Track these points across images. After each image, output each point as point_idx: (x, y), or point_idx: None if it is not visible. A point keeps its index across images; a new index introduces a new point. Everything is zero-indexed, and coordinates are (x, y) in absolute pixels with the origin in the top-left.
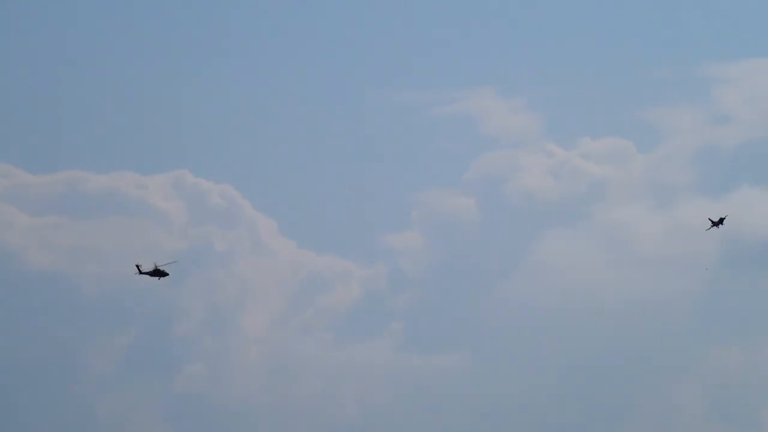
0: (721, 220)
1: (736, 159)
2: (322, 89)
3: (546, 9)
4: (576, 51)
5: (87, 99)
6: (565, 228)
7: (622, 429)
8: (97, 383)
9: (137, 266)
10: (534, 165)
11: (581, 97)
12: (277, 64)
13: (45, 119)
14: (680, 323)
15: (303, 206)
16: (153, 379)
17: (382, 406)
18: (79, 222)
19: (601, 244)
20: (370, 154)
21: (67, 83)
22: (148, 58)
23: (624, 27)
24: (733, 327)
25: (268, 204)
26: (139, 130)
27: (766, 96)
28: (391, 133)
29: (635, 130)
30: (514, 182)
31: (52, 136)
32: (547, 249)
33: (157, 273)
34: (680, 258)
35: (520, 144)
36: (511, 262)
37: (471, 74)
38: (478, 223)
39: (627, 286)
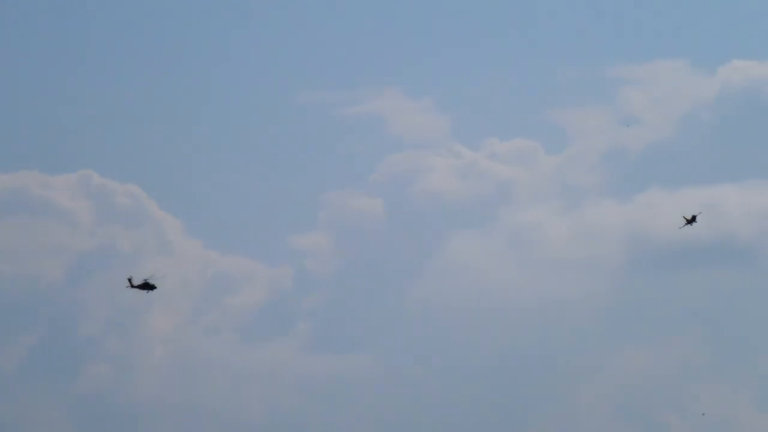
0: (693, 218)
1: (643, 160)
2: (228, 89)
3: (455, 9)
4: (484, 51)
5: None
6: (471, 229)
7: (529, 430)
8: None
9: (129, 279)
10: (441, 166)
11: (489, 98)
12: (182, 64)
13: None
14: (587, 324)
15: (209, 206)
16: (56, 379)
17: (287, 407)
18: None
19: (508, 246)
20: (276, 155)
21: None
22: (53, 57)
23: (532, 28)
24: (640, 328)
25: (174, 204)
26: (44, 130)
27: (672, 97)
28: (297, 134)
29: (543, 131)
30: (421, 183)
31: None
32: (453, 250)
33: (146, 286)
34: (587, 259)
35: (427, 145)
36: (418, 264)
37: (377, 74)
38: (385, 224)
39: (533, 287)
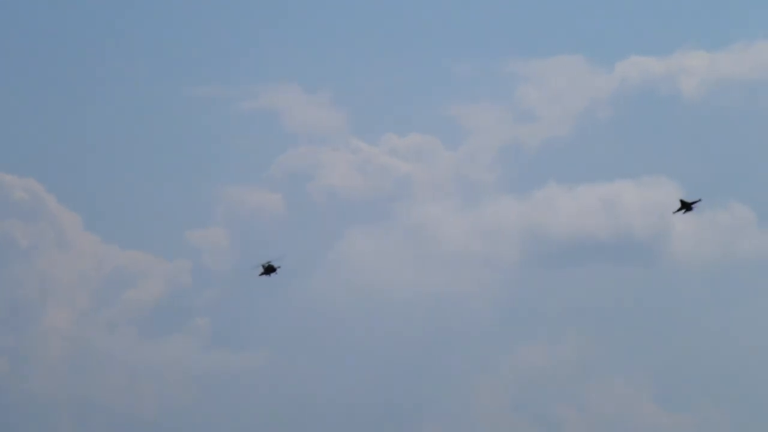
0: (690, 205)
1: (540, 156)
2: (125, 83)
3: (351, 4)
4: (381, 46)
5: None
6: (368, 225)
7: (424, 426)
8: None
9: (263, 266)
10: (338, 161)
11: (387, 93)
12: (80, 58)
13: None
14: (482, 320)
15: (108, 201)
16: None
17: (182, 403)
18: None
19: (405, 241)
20: (173, 150)
21: None
22: None
23: (429, 22)
24: (536, 323)
25: (72, 198)
26: None
27: (569, 93)
28: (194, 129)
29: (441, 126)
30: (319, 178)
31: None
32: (350, 246)
33: (270, 270)
34: (484, 255)
35: (324, 140)
36: (315, 259)
37: (273, 69)
38: (283, 219)
39: (430, 283)
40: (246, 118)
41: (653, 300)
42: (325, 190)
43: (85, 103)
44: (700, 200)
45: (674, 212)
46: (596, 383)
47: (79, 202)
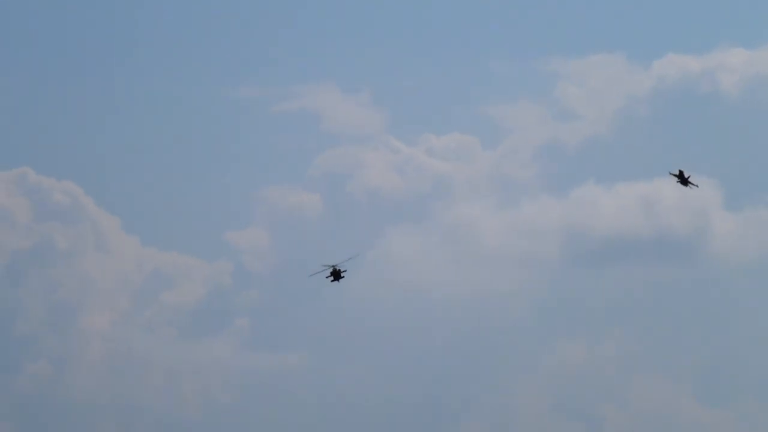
0: (685, 178)
1: (579, 155)
2: (165, 86)
3: (389, 3)
4: (419, 46)
5: None
6: (409, 224)
7: (463, 425)
8: None
9: (331, 270)
10: (378, 161)
11: (425, 93)
12: (118, 60)
13: None
14: (523, 319)
15: (147, 203)
16: None
17: (223, 404)
18: None
19: (445, 241)
20: (213, 151)
21: None
22: None
23: (467, 22)
24: (576, 322)
25: (111, 201)
26: None
27: (608, 91)
28: (234, 130)
29: (479, 126)
30: (358, 178)
31: None
32: (390, 245)
33: (336, 276)
34: (523, 254)
35: (363, 140)
36: (355, 258)
37: (312, 70)
38: (323, 219)
39: (470, 282)
40: (285, 119)
41: (694, 298)
42: (364, 190)
43: (124, 106)
44: (697, 186)
45: (670, 173)
46: (637, 381)
47: (118, 205)
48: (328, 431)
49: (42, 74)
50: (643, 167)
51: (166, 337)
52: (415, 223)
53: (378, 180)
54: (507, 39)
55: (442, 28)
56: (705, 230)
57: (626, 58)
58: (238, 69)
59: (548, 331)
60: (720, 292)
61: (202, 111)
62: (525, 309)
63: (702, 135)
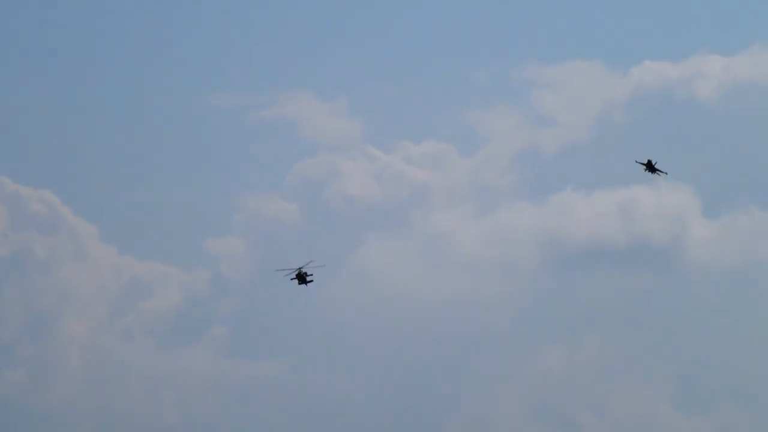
0: (652, 166)
1: (557, 162)
2: (139, 93)
3: (365, 10)
4: (395, 54)
5: None
6: (385, 233)
7: (445, 431)
8: None
9: (297, 274)
10: (355, 169)
11: (401, 101)
12: (94, 68)
13: None
14: (501, 325)
15: (124, 212)
16: None
17: (202, 413)
18: None
19: (423, 249)
20: (189, 159)
21: None
22: None
23: (443, 29)
24: (554, 328)
25: (88, 210)
26: None
27: (584, 98)
28: (210, 138)
29: (456, 133)
30: (336, 186)
31: None
32: (367, 254)
33: (302, 280)
34: (501, 261)
35: (341, 148)
36: (332, 267)
37: (288, 77)
38: (300, 227)
39: (448, 290)
40: (262, 127)
41: (671, 305)
42: (341, 198)
43: (100, 113)
44: (666, 173)
45: (636, 161)
46: (615, 388)
47: (96, 214)
48: None
49: (19, 82)
50: (620, 174)
51: (144, 345)
52: (393, 230)
53: (355, 188)
54: (483, 46)
55: (418, 35)
56: (683, 237)
57: (603, 65)
58: (214, 76)
59: (527, 337)
60: (698, 299)
61: (179, 119)
62: (503, 316)
63: (679, 142)
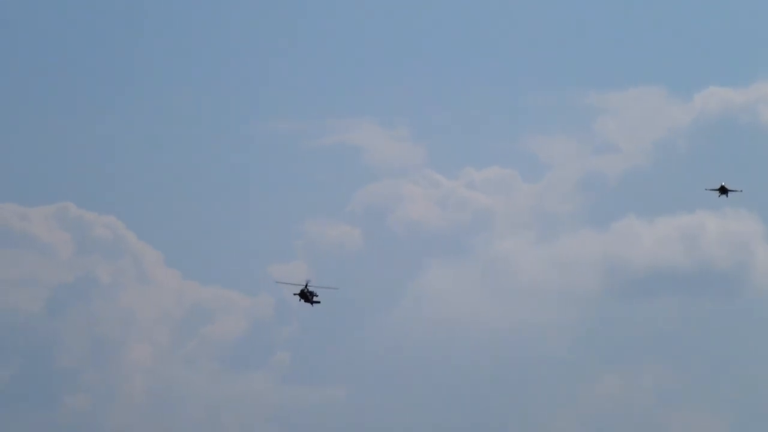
0: (726, 192)
1: (620, 188)
2: (205, 120)
3: (426, 37)
4: (458, 80)
5: None
6: (448, 258)
7: None
8: None
9: (302, 291)
10: (418, 195)
11: (465, 126)
12: (158, 95)
13: None
14: (563, 351)
15: (188, 237)
16: (35, 410)
17: None
18: None
19: (484, 274)
20: (254, 185)
21: None
22: (30, 90)
23: (505, 55)
24: (615, 355)
25: (153, 235)
26: (22, 162)
27: (648, 124)
28: (275, 164)
29: (519, 159)
30: (399, 212)
31: None
32: (429, 279)
33: (306, 298)
34: (563, 288)
35: (404, 173)
36: (395, 292)
37: (352, 104)
38: (363, 252)
39: (509, 316)
40: (326, 153)
41: (734, 331)
42: (404, 223)
43: (165, 140)
44: (741, 191)
45: (707, 189)
46: (675, 415)
47: (160, 239)
48: None
49: (83, 110)
50: (683, 200)
51: (206, 371)
52: (455, 256)
53: (418, 213)
54: (546, 72)
55: (481, 61)
56: (747, 263)
57: (666, 91)
58: (281, 103)
59: (587, 363)
60: (761, 325)
61: (245, 144)
62: (563, 342)
63: (743, 168)
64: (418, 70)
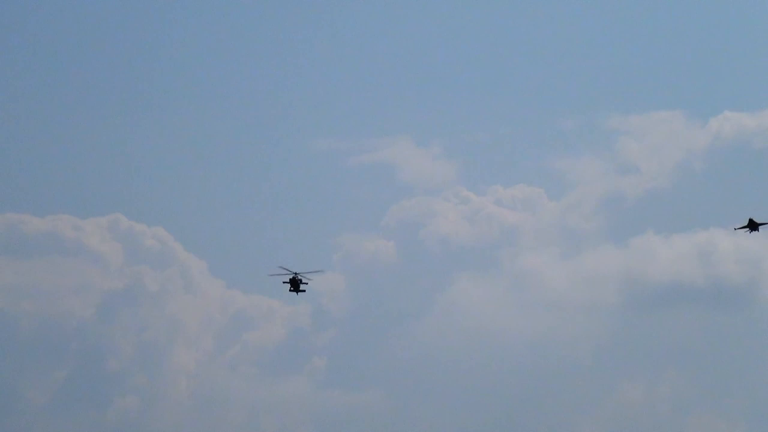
0: (756, 226)
1: (639, 206)
2: (249, 137)
3: (460, 60)
4: (489, 101)
5: (26, 144)
6: (476, 272)
7: None
8: (33, 415)
9: (292, 279)
10: (449, 210)
11: (494, 146)
12: (203, 113)
13: None
14: (585, 361)
15: (232, 248)
16: (86, 411)
17: None
18: (19, 262)
19: (511, 288)
20: (294, 199)
21: (5, 128)
22: (82, 107)
23: (533, 79)
24: (634, 364)
25: (198, 246)
26: (76, 175)
27: (666, 147)
28: (314, 180)
29: (545, 178)
30: (430, 227)
31: None
32: (459, 292)
33: (296, 286)
34: (586, 301)
35: (435, 190)
36: (426, 303)
37: (388, 124)
38: (396, 265)
39: (534, 327)
40: (362, 170)
41: (747, 343)
42: (435, 238)
43: (213, 158)
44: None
45: (736, 229)
46: (691, 421)
47: (205, 250)
48: None
49: (137, 129)
50: (699, 219)
51: (247, 375)
52: (483, 270)
53: (449, 228)
54: (571, 96)
55: (509, 85)
56: (759, 278)
57: (684, 115)
58: (321, 123)
59: (608, 372)
60: None
61: (285, 162)
62: (587, 352)
63: (755, 188)
64: (452, 93)
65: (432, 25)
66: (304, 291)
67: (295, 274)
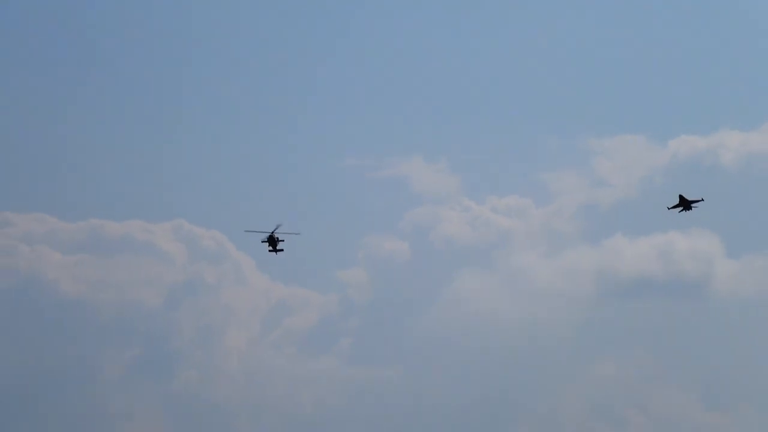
0: (689, 204)
1: (610, 213)
2: (290, 157)
3: (463, 92)
4: (487, 125)
5: (107, 161)
6: (476, 268)
7: (519, 423)
8: (111, 385)
9: (269, 238)
10: (453, 217)
11: (491, 162)
12: (252, 139)
13: (73, 177)
14: (566, 341)
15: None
16: (155, 382)
17: (332, 405)
18: (100, 260)
19: (505, 281)
20: (327, 207)
21: (90, 147)
22: (152, 122)
23: (524, 107)
24: (607, 343)
25: (248, 246)
26: (147, 187)
27: (633, 165)
28: (343, 190)
29: (533, 189)
30: (438, 230)
31: (78, 190)
32: (461, 285)
33: (273, 243)
34: (566, 291)
35: (442, 200)
36: (434, 294)
37: (404, 144)
38: (410, 262)
39: (524, 313)
40: (382, 183)
41: (701, 327)
42: (442, 239)
43: (259, 173)
44: (702, 200)
45: (669, 208)
46: (655, 390)
47: (254, 249)
48: (417, 428)
49: (194, 148)
50: (660, 224)
51: (287, 354)
52: (482, 266)
53: (453, 231)
54: (555, 121)
55: (504, 112)
56: (710, 274)
57: (648, 138)
58: (348, 143)
59: (585, 351)
60: (722, 322)
61: (320, 176)
62: (568, 333)
63: (707, 199)
64: (456, 119)
65: (437, 62)
66: (282, 250)
67: (272, 232)
